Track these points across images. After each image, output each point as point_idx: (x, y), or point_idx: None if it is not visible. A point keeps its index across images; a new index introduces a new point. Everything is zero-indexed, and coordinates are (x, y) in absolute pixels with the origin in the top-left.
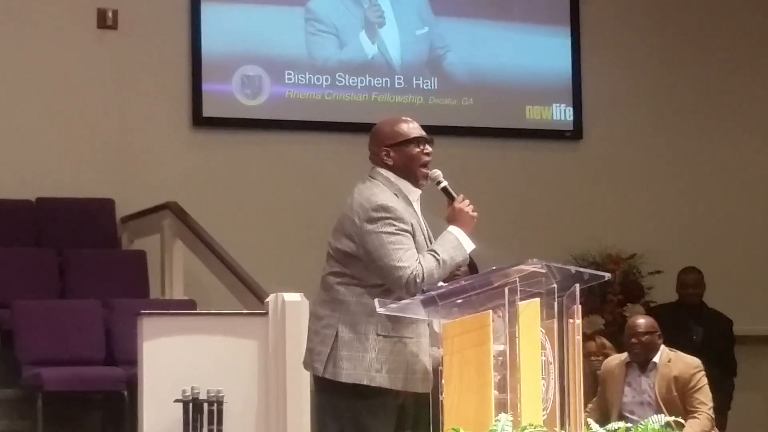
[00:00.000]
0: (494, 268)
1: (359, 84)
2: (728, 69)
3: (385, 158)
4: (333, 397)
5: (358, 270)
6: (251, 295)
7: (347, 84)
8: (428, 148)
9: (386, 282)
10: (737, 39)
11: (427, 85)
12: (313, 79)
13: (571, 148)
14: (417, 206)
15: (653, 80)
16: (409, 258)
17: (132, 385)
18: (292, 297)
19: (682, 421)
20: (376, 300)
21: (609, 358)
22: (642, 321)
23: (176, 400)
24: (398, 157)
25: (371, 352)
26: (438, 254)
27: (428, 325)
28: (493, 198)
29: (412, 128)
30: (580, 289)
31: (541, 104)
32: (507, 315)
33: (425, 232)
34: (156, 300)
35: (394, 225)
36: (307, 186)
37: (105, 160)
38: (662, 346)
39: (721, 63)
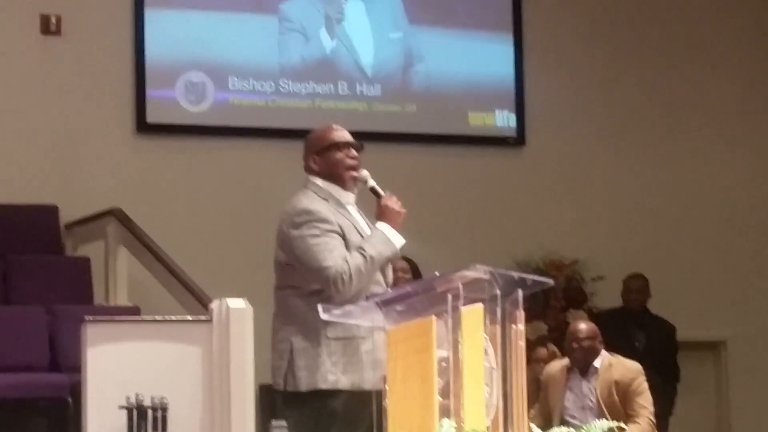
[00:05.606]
0: (437, 274)
1: (303, 90)
2: (671, 74)
3: (312, 165)
4: (296, 409)
5: (297, 278)
6: (195, 301)
7: (291, 91)
8: (353, 152)
9: (318, 284)
10: (680, 43)
11: (370, 92)
12: (257, 86)
13: (514, 154)
14: (352, 209)
15: (596, 86)
16: (335, 257)
17: (76, 391)
18: (237, 303)
19: (624, 425)
20: (319, 306)
21: (550, 364)
22: (583, 326)
23: (120, 407)
24: (324, 162)
25: (324, 357)
26: (365, 250)
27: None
28: (436, 204)
29: (336, 134)
30: (524, 295)
31: (484, 110)
32: (450, 321)
33: (365, 232)
34: (100, 306)
35: (318, 227)
36: (251, 192)
37: (49, 167)
38: (603, 351)
39: (663, 68)
